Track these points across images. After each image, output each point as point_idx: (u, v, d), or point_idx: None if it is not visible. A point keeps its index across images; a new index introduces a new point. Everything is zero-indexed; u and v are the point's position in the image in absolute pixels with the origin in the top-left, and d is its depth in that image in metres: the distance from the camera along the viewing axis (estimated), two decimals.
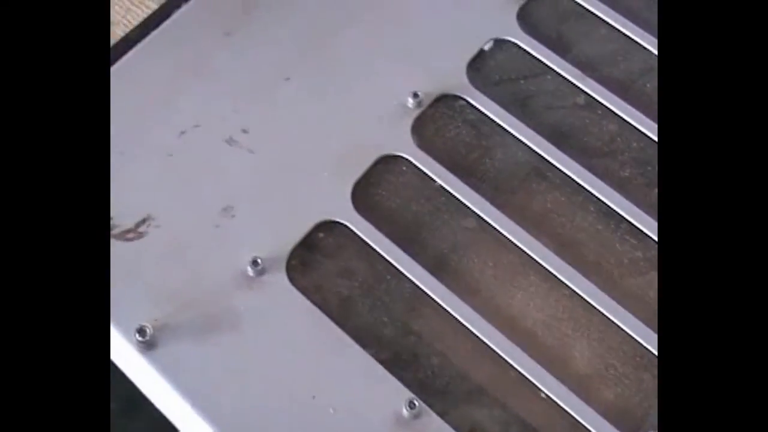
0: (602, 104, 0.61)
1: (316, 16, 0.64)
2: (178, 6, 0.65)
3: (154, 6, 0.73)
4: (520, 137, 0.59)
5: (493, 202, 0.56)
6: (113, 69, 0.62)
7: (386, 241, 0.55)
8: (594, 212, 0.57)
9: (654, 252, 0.55)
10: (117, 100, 0.61)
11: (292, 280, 0.54)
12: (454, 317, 0.53)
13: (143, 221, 0.57)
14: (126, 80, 0.62)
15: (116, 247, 0.56)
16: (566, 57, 0.62)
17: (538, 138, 0.59)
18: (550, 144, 0.59)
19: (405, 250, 0.55)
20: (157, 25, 0.65)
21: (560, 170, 0.58)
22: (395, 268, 0.55)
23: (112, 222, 0.57)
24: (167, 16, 0.65)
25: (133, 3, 0.75)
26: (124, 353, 0.54)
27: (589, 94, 0.61)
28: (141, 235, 0.57)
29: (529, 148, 0.59)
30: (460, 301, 0.53)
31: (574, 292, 0.54)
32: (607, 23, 0.65)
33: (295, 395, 0.51)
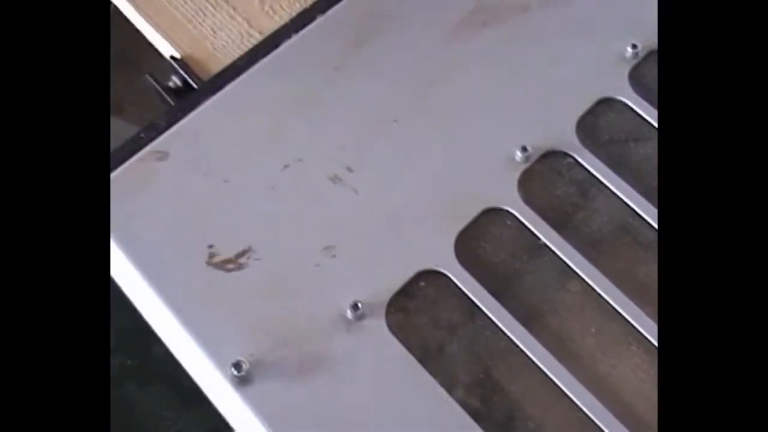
0: None
1: (428, 58, 0.64)
2: (288, 36, 0.65)
3: (241, 20, 0.73)
4: (628, 201, 0.58)
5: (597, 266, 0.56)
6: (221, 95, 0.63)
7: (487, 296, 0.55)
8: None
9: None
10: (223, 127, 0.62)
11: (390, 327, 0.54)
12: (551, 380, 0.53)
13: (244, 252, 0.57)
14: (233, 107, 0.62)
15: (216, 277, 0.56)
16: None
17: (645, 203, 0.58)
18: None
19: (505, 307, 0.54)
20: (266, 54, 0.65)
21: None
22: (495, 323, 0.54)
23: (212, 250, 0.57)
24: (276, 45, 0.65)
25: (222, 17, 0.75)
26: (217, 386, 0.53)
27: None
28: (241, 267, 0.57)
29: (636, 213, 0.58)
30: (559, 365, 0.53)
31: None
32: None
33: None
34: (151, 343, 0.59)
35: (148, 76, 0.80)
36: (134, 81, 0.79)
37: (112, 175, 0.60)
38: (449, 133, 0.61)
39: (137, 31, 0.81)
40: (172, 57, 0.78)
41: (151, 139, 0.61)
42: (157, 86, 0.80)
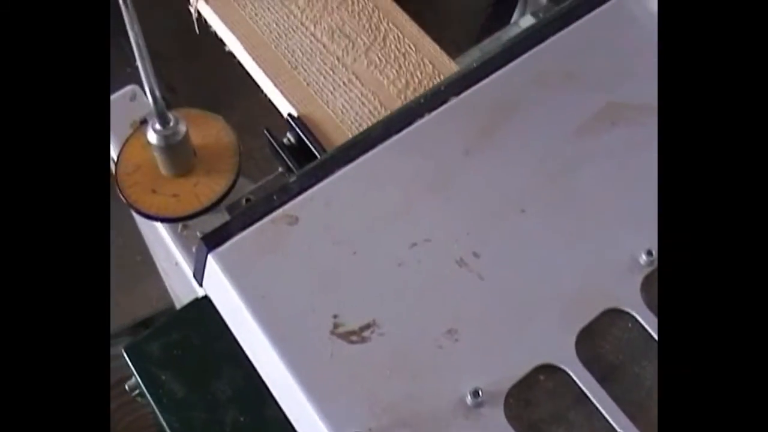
0: None
1: (556, 151, 0.65)
2: (422, 115, 0.67)
3: (359, 85, 0.75)
4: None
5: None
6: (354, 166, 0.64)
7: (606, 396, 0.56)
8: None
9: None
10: (355, 198, 0.63)
11: (508, 417, 0.55)
12: None
13: (368, 326, 0.58)
14: (365, 179, 0.64)
15: (339, 347, 0.57)
16: None
17: None
18: None
19: (625, 412, 0.55)
20: (399, 130, 0.66)
21: None
22: (612, 427, 0.55)
23: (337, 320, 0.58)
24: (410, 123, 0.67)
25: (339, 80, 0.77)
26: None
27: None
28: (364, 340, 0.58)
29: None
30: None
31: None
32: None
33: None
34: (266, 403, 0.61)
35: (265, 131, 0.83)
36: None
37: (245, 233, 0.62)
38: (575, 227, 0.62)
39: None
40: (290, 115, 0.80)
41: (284, 203, 0.63)
42: (273, 142, 0.82)
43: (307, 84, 0.76)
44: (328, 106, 0.76)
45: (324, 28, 0.79)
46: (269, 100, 0.83)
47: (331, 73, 0.76)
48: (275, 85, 0.78)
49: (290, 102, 0.79)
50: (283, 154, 0.81)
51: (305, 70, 0.77)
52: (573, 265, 0.60)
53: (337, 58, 0.77)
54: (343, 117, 0.75)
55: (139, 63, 0.62)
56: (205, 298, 0.66)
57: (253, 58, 0.78)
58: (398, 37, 0.78)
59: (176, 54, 1.89)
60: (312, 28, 0.79)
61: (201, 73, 1.89)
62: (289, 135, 0.83)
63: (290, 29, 0.80)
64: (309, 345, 0.58)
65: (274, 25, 0.80)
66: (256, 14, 0.80)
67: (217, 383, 0.62)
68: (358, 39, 0.78)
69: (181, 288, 0.73)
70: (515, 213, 0.62)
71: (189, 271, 0.67)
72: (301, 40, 0.79)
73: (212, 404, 0.61)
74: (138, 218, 0.86)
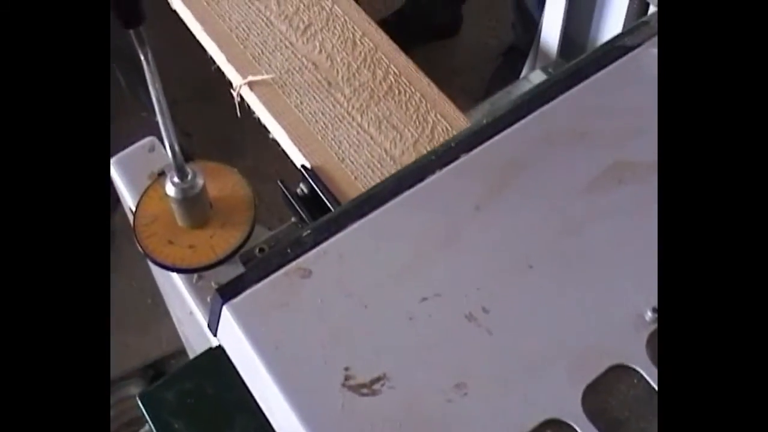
0: None
1: (564, 208, 0.66)
2: (433, 172, 0.69)
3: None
4: None
5: None
6: (366, 221, 0.66)
7: None
8: None
9: None
10: (367, 252, 0.65)
11: None
12: None
13: (378, 379, 0.59)
14: (377, 234, 0.66)
15: (350, 399, 0.58)
16: None
17: None
18: None
19: None
20: (411, 186, 0.68)
21: None
22: None
23: (348, 372, 0.60)
24: (421, 179, 0.68)
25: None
26: None
27: None
28: (375, 393, 0.59)
29: None
30: None
31: None
32: None
33: None
34: None
35: (279, 182, 0.85)
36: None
37: (259, 285, 0.63)
38: (582, 284, 0.63)
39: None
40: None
41: (297, 256, 0.65)
42: (286, 192, 0.84)
43: (355, 178, 0.77)
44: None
45: (371, 118, 0.81)
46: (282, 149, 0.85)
47: (378, 166, 0.78)
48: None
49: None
50: (296, 205, 0.83)
51: (352, 163, 0.78)
52: (580, 321, 0.62)
53: (385, 150, 0.79)
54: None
55: (159, 119, 0.64)
56: (219, 347, 0.67)
57: (299, 149, 0.80)
58: (446, 129, 0.80)
59: (190, 98, 1.93)
60: (359, 119, 0.81)
61: (214, 117, 1.93)
62: (302, 185, 0.84)
63: (336, 119, 0.80)
64: (320, 396, 0.59)
65: (320, 114, 0.81)
66: (301, 102, 0.81)
67: None
68: (406, 130, 0.80)
69: (195, 336, 0.75)
70: (524, 269, 0.64)
71: (203, 321, 0.68)
72: (348, 131, 0.80)
73: None
74: (153, 267, 0.88)
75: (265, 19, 0.88)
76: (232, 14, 0.88)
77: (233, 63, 0.83)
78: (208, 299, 0.68)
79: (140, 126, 1.87)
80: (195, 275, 0.70)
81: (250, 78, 0.82)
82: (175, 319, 0.97)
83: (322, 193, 0.79)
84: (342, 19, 0.88)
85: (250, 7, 0.89)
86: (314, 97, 0.81)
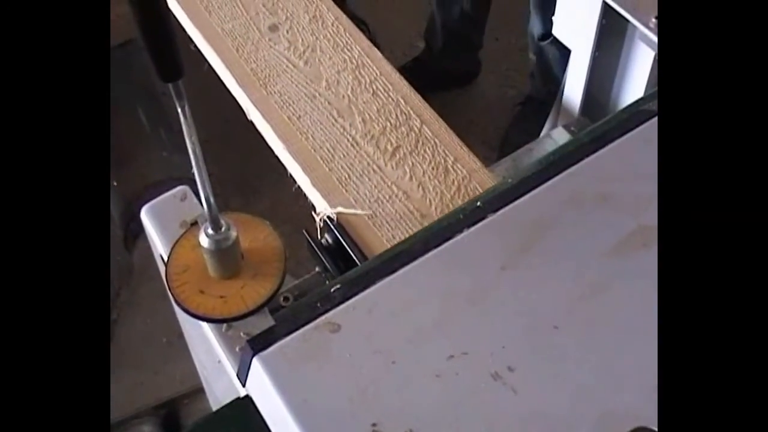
0: None
1: (588, 270, 0.68)
2: (461, 231, 0.70)
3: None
4: None
5: None
6: (394, 277, 0.67)
7: None
8: None
9: None
10: (395, 308, 0.66)
11: None
12: None
13: None
14: (405, 290, 0.67)
15: None
16: None
17: None
18: None
19: None
20: (438, 244, 0.70)
21: None
22: None
23: (375, 428, 0.61)
24: (449, 238, 0.70)
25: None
26: None
27: None
28: None
29: None
30: None
31: None
32: None
33: None
34: None
35: (304, 232, 0.86)
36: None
37: (288, 338, 0.65)
38: (606, 346, 0.64)
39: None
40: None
41: (327, 311, 0.66)
42: (312, 242, 0.86)
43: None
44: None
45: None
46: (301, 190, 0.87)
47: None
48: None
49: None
50: (320, 255, 0.84)
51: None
52: (603, 382, 0.63)
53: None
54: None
55: (195, 171, 0.66)
56: (246, 398, 0.68)
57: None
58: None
59: (208, 137, 1.96)
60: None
61: (232, 158, 1.96)
62: (326, 236, 0.86)
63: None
64: None
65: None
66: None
67: None
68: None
69: (219, 384, 0.76)
70: (549, 329, 0.65)
71: (231, 370, 0.69)
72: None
73: None
74: (180, 313, 0.89)
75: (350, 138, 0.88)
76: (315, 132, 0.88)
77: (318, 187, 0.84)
78: (237, 349, 0.69)
79: (160, 165, 1.90)
80: (225, 325, 0.71)
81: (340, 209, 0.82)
82: (198, 365, 0.98)
83: (348, 246, 0.80)
84: (432, 142, 0.87)
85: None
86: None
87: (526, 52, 1.92)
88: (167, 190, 0.79)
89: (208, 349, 0.75)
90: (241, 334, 0.71)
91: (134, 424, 1.77)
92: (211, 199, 0.66)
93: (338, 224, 0.83)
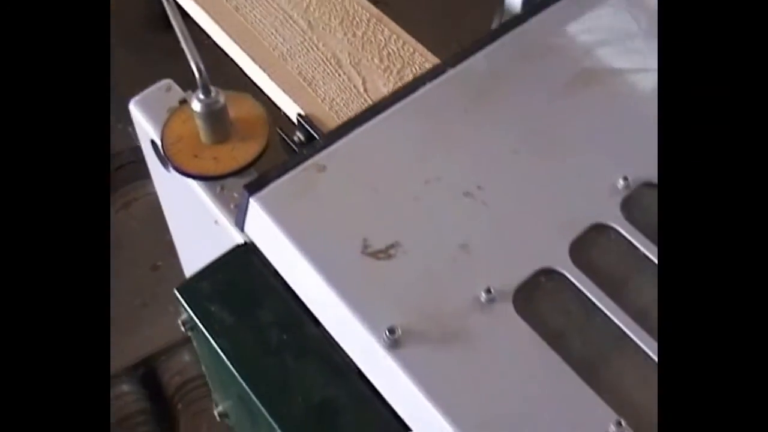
0: None
1: (541, 104, 0.77)
2: (424, 84, 0.79)
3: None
4: None
5: None
6: (371, 124, 0.75)
7: (597, 290, 0.66)
8: None
9: None
10: (374, 149, 0.74)
11: (516, 310, 0.65)
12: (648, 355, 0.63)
13: (392, 246, 0.68)
14: (382, 134, 0.75)
15: (369, 263, 0.67)
16: None
17: None
18: None
19: (613, 299, 0.65)
20: (405, 96, 0.78)
21: None
22: (603, 312, 0.65)
23: (366, 241, 0.68)
24: (415, 90, 0.78)
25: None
26: (370, 351, 0.64)
27: None
28: (390, 257, 0.68)
29: None
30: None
31: None
32: None
33: (517, 404, 0.61)
34: (305, 324, 0.70)
35: (278, 129, 0.94)
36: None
37: (280, 180, 0.72)
38: (562, 162, 0.73)
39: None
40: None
41: (312, 155, 0.74)
42: (286, 139, 0.93)
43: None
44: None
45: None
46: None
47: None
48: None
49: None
50: (296, 151, 0.91)
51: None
52: (562, 191, 0.71)
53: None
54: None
55: (182, 42, 0.73)
56: (244, 245, 0.75)
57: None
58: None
59: None
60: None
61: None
62: (298, 133, 0.93)
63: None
64: (343, 263, 0.67)
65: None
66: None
67: (261, 311, 0.71)
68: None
69: (212, 247, 0.81)
70: (510, 153, 0.74)
71: (228, 224, 0.76)
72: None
73: (258, 328, 0.70)
74: (165, 203, 0.96)
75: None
76: None
77: None
78: (232, 206, 0.76)
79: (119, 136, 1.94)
80: (218, 187, 0.79)
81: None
82: (181, 252, 1.05)
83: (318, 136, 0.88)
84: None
85: None
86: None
87: None
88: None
89: (204, 213, 0.81)
90: (234, 194, 0.78)
91: (113, 384, 1.81)
92: (201, 66, 0.73)
93: (308, 120, 0.90)
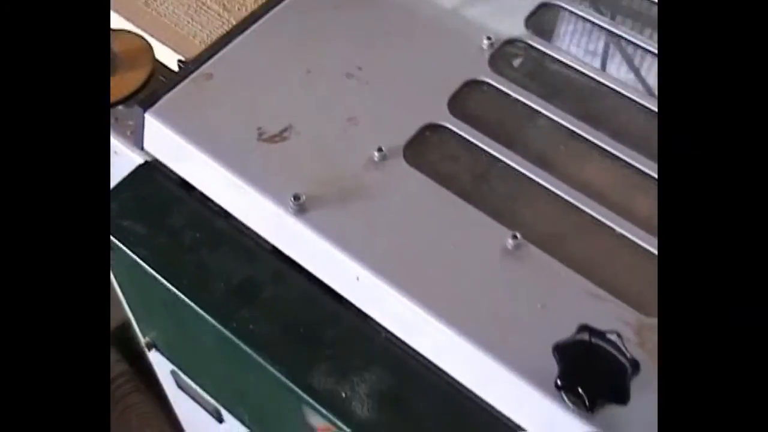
0: None
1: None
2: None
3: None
4: (577, 66, 0.77)
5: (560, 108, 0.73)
6: (248, 33, 0.80)
7: (479, 134, 0.71)
8: None
9: None
10: (255, 51, 0.78)
11: (408, 163, 0.70)
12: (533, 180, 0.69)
13: (286, 129, 0.73)
14: (260, 38, 0.79)
15: (266, 148, 0.71)
16: None
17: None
18: None
19: (492, 138, 0.71)
20: (277, 4, 0.82)
21: None
22: (485, 150, 0.71)
23: (261, 130, 0.72)
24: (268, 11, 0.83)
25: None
26: (278, 222, 0.68)
27: None
28: (285, 139, 0.72)
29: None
30: (540, 171, 0.69)
31: None
32: None
33: (420, 238, 0.66)
34: (215, 221, 0.73)
35: (178, 62, 0.96)
36: None
37: (171, 93, 0.76)
38: (432, 37, 0.79)
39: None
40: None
41: (198, 67, 0.77)
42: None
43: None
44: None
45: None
46: None
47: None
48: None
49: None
50: None
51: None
52: (434, 58, 0.77)
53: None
54: None
55: None
56: (143, 164, 0.78)
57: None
58: None
59: None
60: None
61: None
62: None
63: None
64: (243, 151, 0.71)
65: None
66: None
67: (171, 218, 0.74)
68: None
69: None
70: (383, 36, 0.79)
71: (128, 151, 0.79)
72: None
73: (171, 232, 0.73)
74: None
75: None
76: None
77: None
78: (128, 133, 0.79)
79: None
80: (114, 119, 0.81)
81: None
82: None
83: None
84: None
85: None
86: None
87: None
88: None
89: None
90: (129, 122, 0.81)
91: None
92: None
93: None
